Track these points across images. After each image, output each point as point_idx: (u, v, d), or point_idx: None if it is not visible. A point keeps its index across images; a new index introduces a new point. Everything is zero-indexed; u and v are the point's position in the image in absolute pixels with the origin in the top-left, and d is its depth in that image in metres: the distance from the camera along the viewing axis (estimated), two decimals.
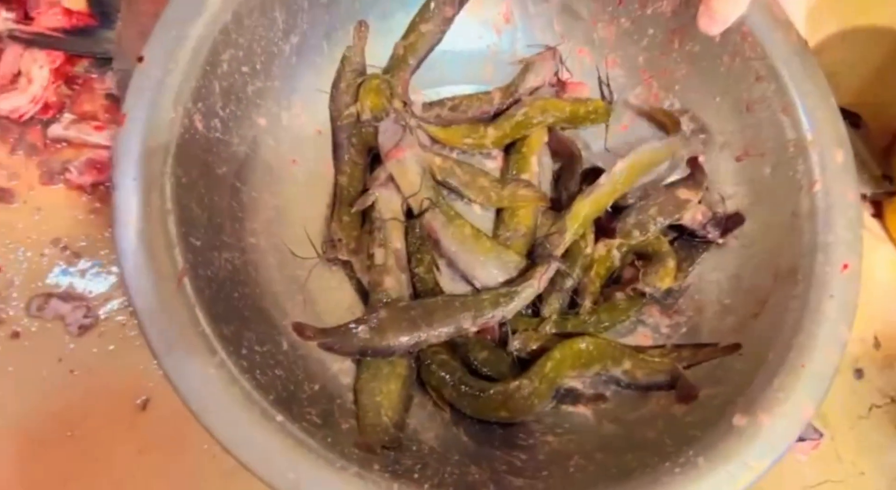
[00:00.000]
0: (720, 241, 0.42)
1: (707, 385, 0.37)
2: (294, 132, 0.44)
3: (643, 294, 0.42)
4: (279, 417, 0.31)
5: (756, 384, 0.34)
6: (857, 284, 0.35)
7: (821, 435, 0.45)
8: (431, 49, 0.46)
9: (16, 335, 0.46)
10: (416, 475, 0.32)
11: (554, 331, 0.41)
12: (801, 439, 0.45)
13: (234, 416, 0.31)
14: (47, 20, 0.53)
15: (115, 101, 0.52)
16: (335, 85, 0.46)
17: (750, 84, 0.40)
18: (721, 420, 0.33)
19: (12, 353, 0.46)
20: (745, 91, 0.41)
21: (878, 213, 0.52)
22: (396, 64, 0.45)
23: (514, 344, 0.41)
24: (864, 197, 0.50)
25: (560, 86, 0.47)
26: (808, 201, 0.37)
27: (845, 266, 0.35)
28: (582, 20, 0.46)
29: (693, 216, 0.42)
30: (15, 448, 0.45)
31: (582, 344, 0.39)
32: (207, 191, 0.37)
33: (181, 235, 0.34)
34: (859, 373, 0.47)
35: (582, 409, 0.39)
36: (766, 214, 0.40)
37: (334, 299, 0.43)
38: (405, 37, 0.46)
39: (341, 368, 0.40)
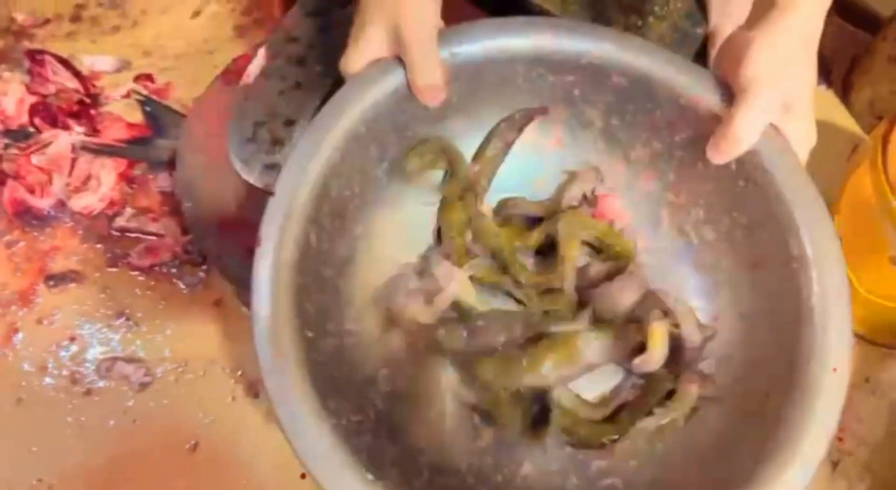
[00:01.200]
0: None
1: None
2: (386, 236, 0.52)
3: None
4: (370, 476, 0.39)
5: (757, 469, 0.40)
6: (844, 385, 0.41)
7: None
8: (497, 168, 0.55)
9: (89, 392, 0.56)
10: None
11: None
12: None
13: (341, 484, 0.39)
14: (112, 133, 0.65)
15: (167, 197, 0.63)
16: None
17: (759, 206, 0.46)
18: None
19: (85, 407, 0.56)
20: (756, 211, 0.47)
21: None
22: (472, 186, 0.54)
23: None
24: None
25: (594, 198, 0.54)
26: (808, 311, 0.43)
27: (834, 370, 0.41)
28: (620, 143, 0.54)
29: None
30: (86, 486, 0.54)
31: None
32: (317, 291, 0.46)
33: (298, 329, 0.42)
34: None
35: None
36: (770, 323, 0.46)
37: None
38: (475, 160, 0.54)
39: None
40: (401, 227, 0.54)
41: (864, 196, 0.52)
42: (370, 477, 0.39)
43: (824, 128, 0.69)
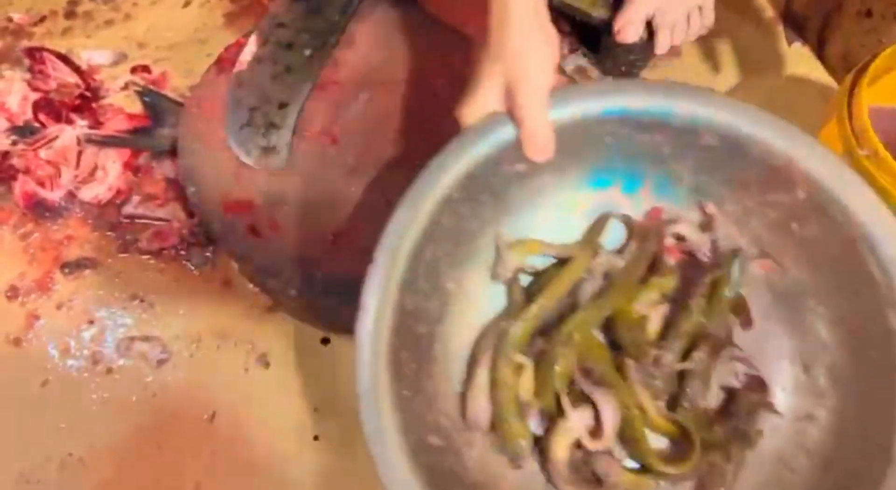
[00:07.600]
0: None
1: None
2: (476, 291, 0.55)
3: None
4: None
5: None
6: None
7: None
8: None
9: (110, 370, 0.59)
10: None
11: None
12: None
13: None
14: (114, 124, 0.68)
15: (171, 183, 0.66)
16: None
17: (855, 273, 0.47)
18: None
19: (108, 385, 0.59)
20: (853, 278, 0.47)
21: None
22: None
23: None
24: None
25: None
26: None
27: None
28: (711, 197, 0.54)
29: None
30: (114, 461, 0.56)
31: None
32: (413, 344, 0.49)
33: (396, 392, 0.45)
34: None
35: None
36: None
37: None
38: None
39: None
40: (487, 282, 0.55)
41: (834, 147, 0.54)
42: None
43: (801, 83, 0.73)
